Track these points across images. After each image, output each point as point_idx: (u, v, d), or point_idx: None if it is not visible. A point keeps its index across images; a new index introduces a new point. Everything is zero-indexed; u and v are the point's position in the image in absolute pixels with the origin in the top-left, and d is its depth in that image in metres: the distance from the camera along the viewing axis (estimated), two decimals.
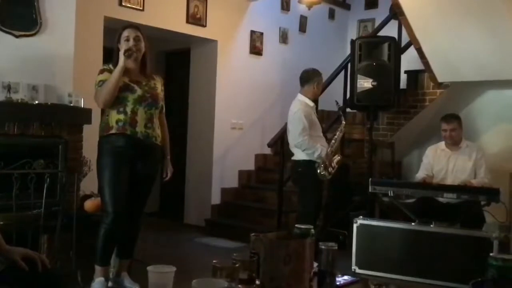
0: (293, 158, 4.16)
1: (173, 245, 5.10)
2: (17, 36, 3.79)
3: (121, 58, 3.09)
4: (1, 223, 3.21)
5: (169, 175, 3.45)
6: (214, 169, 5.89)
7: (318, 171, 3.92)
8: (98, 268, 3.17)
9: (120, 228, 3.19)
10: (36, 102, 3.78)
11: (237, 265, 1.46)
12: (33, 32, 3.85)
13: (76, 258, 3.51)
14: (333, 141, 4.07)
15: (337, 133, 4.14)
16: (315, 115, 4.15)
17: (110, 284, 3.27)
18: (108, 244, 3.19)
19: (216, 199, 5.92)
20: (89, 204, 3.84)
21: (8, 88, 3.66)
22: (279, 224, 5.06)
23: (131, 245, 3.40)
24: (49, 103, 3.85)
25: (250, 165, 6.23)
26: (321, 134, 4.16)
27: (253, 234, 1.54)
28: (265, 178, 6.05)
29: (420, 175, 4.28)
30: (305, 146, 3.96)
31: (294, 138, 4.03)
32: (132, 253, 3.43)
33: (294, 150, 4.12)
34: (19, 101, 3.68)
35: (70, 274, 3.28)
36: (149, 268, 1.38)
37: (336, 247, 1.59)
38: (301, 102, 4.09)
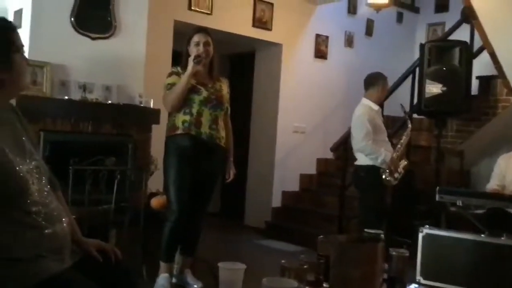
0: (356, 163, 4.10)
1: (233, 245, 5.15)
2: (93, 39, 3.95)
3: (190, 64, 3.15)
4: (74, 216, 3.36)
5: (231, 176, 3.49)
6: (276, 172, 5.90)
7: (384, 176, 3.83)
8: (162, 264, 3.26)
9: (184, 226, 3.26)
10: (109, 102, 3.93)
11: (305, 267, 1.46)
12: (107, 34, 4.01)
13: (142, 253, 3.61)
14: (398, 145, 3.97)
15: (403, 137, 4.04)
16: (381, 119, 4.07)
17: (174, 280, 3.35)
18: (172, 241, 3.27)
19: (276, 202, 5.93)
20: (155, 202, 3.94)
21: (84, 88, 3.82)
22: (340, 230, 5.00)
23: (194, 243, 3.46)
24: (121, 103, 3.99)
25: (312, 169, 6.20)
26: (386, 139, 4.06)
27: (320, 236, 1.53)
28: (327, 183, 5.99)
29: (491, 185, 4.10)
30: (368, 151, 3.89)
31: (357, 143, 3.97)
32: (195, 251, 3.50)
33: (357, 155, 4.06)
34: (94, 100, 3.84)
35: (136, 269, 3.39)
36: (220, 264, 1.40)
37: (408, 254, 1.55)
38: (365, 106, 4.02)
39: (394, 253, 1.58)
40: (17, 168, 1.45)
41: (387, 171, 3.84)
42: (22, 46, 1.55)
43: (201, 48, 3.22)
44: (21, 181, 1.45)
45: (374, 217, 3.92)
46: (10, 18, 3.79)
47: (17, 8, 3.84)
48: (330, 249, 1.45)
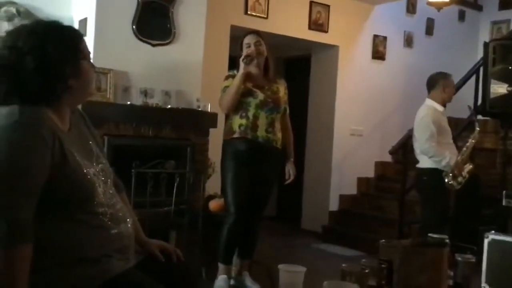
0: (418, 165, 3.99)
1: (290, 249, 5.13)
2: (153, 45, 4.06)
3: (241, 65, 3.18)
4: (136, 218, 3.46)
5: (291, 177, 3.47)
6: (333, 175, 5.84)
7: (446, 180, 3.71)
8: (221, 266, 3.30)
9: (242, 229, 3.29)
10: (169, 106, 4.03)
11: (366, 271, 1.43)
12: (167, 41, 4.11)
13: (201, 255, 3.67)
14: (464, 148, 3.84)
15: (470, 140, 3.89)
16: (446, 121, 3.94)
17: (232, 282, 3.38)
18: (230, 243, 3.30)
19: (334, 205, 5.86)
20: (213, 204, 4.00)
21: (145, 93, 3.94)
22: (401, 235, 4.87)
23: (251, 246, 3.48)
24: (180, 108, 4.08)
25: (370, 173, 6.09)
26: (451, 141, 3.93)
27: (382, 240, 1.50)
28: (385, 187, 5.87)
29: None
30: (432, 153, 3.77)
31: (420, 145, 3.86)
32: (253, 254, 3.51)
33: (419, 157, 3.95)
34: (154, 105, 3.95)
35: (195, 270, 3.44)
36: (280, 266, 1.40)
37: (474, 260, 1.49)
38: (429, 107, 3.91)
39: (460, 258, 1.52)
40: (85, 171, 1.50)
41: (450, 174, 3.71)
42: (89, 53, 1.61)
43: (252, 48, 3.25)
44: (89, 183, 1.50)
45: (436, 222, 3.80)
46: (75, 27, 3.96)
47: (82, 17, 4.01)
48: (392, 253, 1.42)
